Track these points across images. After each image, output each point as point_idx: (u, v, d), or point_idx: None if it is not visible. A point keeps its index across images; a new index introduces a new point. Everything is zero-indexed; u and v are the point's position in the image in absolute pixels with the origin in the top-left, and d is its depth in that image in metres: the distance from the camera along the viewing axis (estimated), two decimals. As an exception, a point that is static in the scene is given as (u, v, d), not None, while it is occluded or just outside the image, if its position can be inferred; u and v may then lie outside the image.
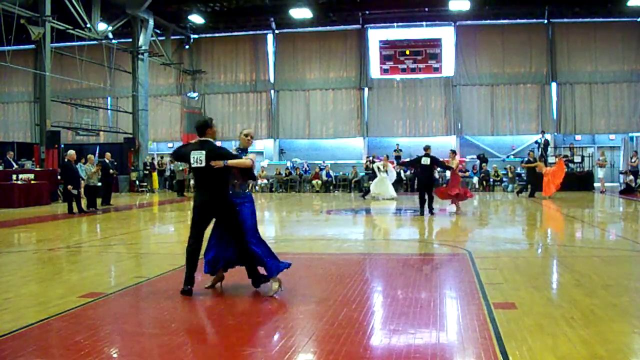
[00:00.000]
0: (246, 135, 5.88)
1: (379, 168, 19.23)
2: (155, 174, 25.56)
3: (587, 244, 9.10)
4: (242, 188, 5.63)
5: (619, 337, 4.06)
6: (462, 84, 26.93)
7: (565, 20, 26.38)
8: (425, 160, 12.87)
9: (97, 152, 22.61)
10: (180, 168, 23.92)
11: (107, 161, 17.67)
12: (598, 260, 7.10)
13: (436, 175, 14.06)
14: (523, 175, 23.12)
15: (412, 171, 23.96)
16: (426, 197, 12.99)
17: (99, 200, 16.32)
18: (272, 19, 27.78)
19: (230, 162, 5.38)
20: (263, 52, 28.76)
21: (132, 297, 5.64)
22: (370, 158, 23.87)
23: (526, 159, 20.17)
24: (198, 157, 5.36)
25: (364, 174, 24.49)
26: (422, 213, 12.91)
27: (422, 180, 13.51)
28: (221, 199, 5.38)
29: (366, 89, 27.73)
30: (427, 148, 13.27)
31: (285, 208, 17.23)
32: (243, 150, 5.80)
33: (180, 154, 5.70)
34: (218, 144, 5.91)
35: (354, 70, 27.78)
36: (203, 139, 5.48)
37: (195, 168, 5.40)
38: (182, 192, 22.66)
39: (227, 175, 5.43)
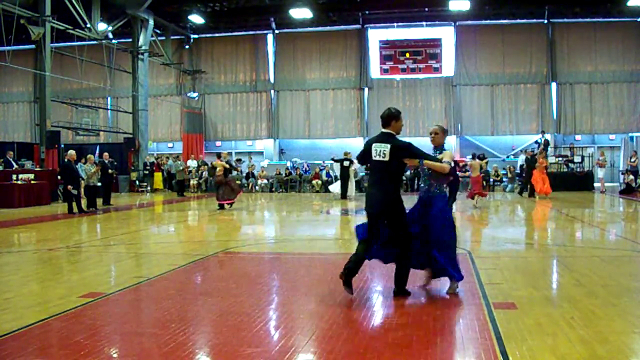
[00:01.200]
0: (430, 134, 5.65)
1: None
2: (159, 174, 25.54)
3: (587, 244, 9.10)
4: (438, 188, 5.42)
5: (619, 337, 4.06)
6: (462, 84, 26.93)
7: (565, 20, 26.36)
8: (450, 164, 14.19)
9: (97, 152, 22.63)
10: (180, 168, 23.93)
11: (106, 161, 17.67)
12: (598, 260, 7.09)
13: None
14: (523, 175, 23.14)
15: (413, 171, 23.98)
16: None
17: (99, 200, 16.33)
18: (272, 19, 27.77)
19: (427, 163, 5.16)
20: (263, 52, 28.75)
21: (132, 297, 5.64)
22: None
23: (525, 157, 20.15)
24: (381, 150, 5.04)
25: (363, 173, 24.48)
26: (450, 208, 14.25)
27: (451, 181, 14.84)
28: (394, 198, 5.09)
29: (366, 89, 27.73)
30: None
31: (285, 208, 17.23)
32: (436, 148, 5.57)
33: (363, 152, 5.26)
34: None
35: (354, 70, 27.77)
36: (387, 131, 5.15)
37: (375, 161, 5.09)
38: (182, 192, 22.67)
39: (402, 173, 5.30)
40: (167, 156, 26.73)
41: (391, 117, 5.17)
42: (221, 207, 15.53)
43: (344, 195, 19.36)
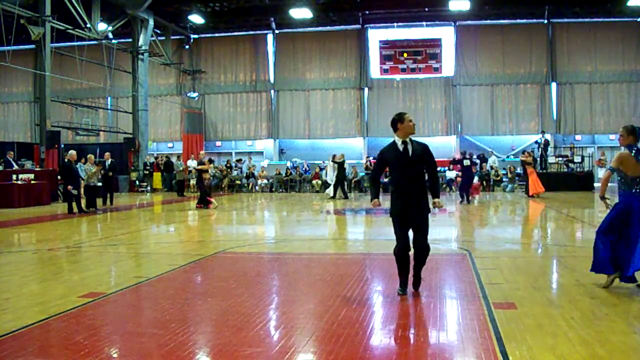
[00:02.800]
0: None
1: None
2: (159, 174, 25.49)
3: (587, 244, 9.07)
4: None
5: (618, 337, 4.06)
6: (462, 84, 26.93)
7: (565, 20, 26.37)
8: (467, 162, 17.20)
9: (98, 152, 22.64)
10: (180, 168, 23.90)
11: (107, 161, 17.57)
12: (598, 260, 7.08)
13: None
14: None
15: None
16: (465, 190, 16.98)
17: (99, 201, 16.31)
18: (272, 19, 27.77)
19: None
20: (263, 52, 28.75)
21: (132, 297, 5.65)
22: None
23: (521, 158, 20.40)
24: None
25: (363, 173, 24.50)
26: (467, 201, 16.67)
27: (466, 177, 17.31)
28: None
29: (366, 89, 27.72)
30: (463, 153, 18.03)
31: (285, 208, 17.23)
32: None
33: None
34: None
35: (354, 70, 27.77)
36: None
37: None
38: (181, 192, 22.67)
39: (392, 176, 5.56)
40: (167, 156, 26.57)
41: (392, 123, 5.37)
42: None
43: (345, 195, 19.83)
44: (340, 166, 19.71)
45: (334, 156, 20.27)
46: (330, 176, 20.36)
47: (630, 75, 25.78)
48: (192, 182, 24.87)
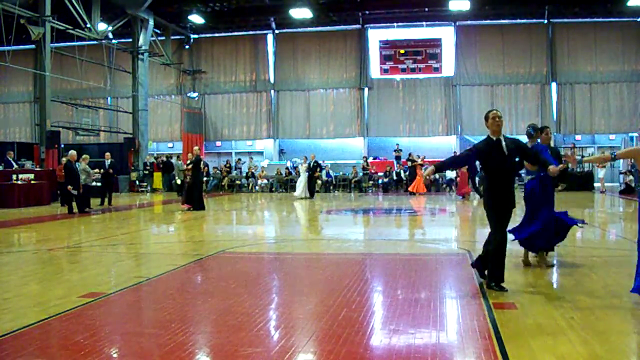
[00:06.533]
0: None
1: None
2: (159, 174, 25.43)
3: (587, 244, 9.10)
4: None
5: (619, 337, 4.06)
6: (462, 84, 26.93)
7: (565, 20, 26.39)
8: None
9: (98, 152, 22.63)
10: (182, 168, 23.84)
11: (107, 161, 17.53)
12: (598, 260, 7.09)
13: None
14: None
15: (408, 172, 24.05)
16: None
17: (97, 200, 16.32)
18: (272, 19, 27.78)
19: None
20: (263, 52, 28.76)
21: (132, 297, 5.64)
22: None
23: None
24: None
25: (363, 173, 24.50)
26: (463, 198, 18.44)
27: (471, 171, 17.96)
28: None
29: (366, 89, 27.73)
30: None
31: (285, 208, 17.24)
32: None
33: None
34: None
35: (354, 70, 27.77)
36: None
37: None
38: (181, 192, 22.62)
39: None
40: (167, 156, 26.54)
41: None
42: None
43: (312, 194, 20.49)
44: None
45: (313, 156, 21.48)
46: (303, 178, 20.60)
47: (630, 75, 25.79)
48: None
